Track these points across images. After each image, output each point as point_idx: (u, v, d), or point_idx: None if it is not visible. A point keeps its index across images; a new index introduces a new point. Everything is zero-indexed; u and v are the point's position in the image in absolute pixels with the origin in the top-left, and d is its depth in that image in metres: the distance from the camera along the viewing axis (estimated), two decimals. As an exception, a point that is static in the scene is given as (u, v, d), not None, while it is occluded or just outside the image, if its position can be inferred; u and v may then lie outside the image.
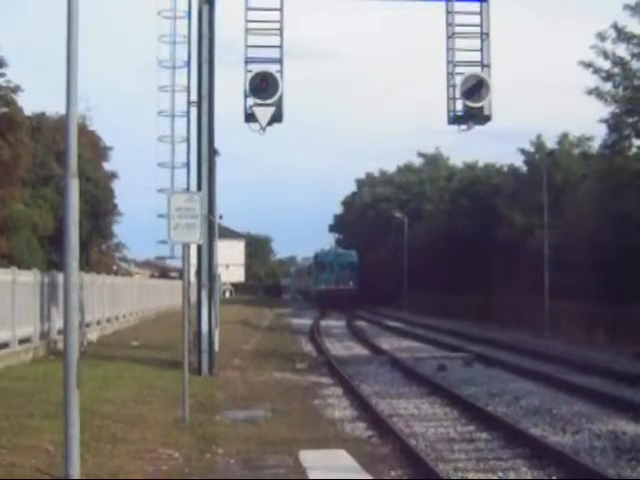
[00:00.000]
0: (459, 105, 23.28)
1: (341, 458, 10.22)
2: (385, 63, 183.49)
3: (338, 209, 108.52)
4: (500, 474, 11.61)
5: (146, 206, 31.36)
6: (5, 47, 46.04)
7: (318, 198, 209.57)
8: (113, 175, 57.08)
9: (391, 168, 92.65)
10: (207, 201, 22.28)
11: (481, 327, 44.21)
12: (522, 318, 44.32)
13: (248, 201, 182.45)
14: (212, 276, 22.36)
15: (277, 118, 22.65)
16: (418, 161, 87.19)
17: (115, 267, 67.44)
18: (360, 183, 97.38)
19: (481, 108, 22.92)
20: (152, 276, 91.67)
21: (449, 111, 23.46)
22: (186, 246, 13.80)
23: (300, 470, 9.70)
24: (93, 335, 31.29)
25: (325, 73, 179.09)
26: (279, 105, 22.41)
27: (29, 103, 50.94)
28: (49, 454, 10.58)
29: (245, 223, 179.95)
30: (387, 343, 35.03)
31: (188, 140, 22.72)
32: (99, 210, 54.78)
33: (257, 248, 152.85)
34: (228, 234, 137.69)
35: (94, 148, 57.06)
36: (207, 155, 22.31)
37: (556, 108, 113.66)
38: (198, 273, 22.22)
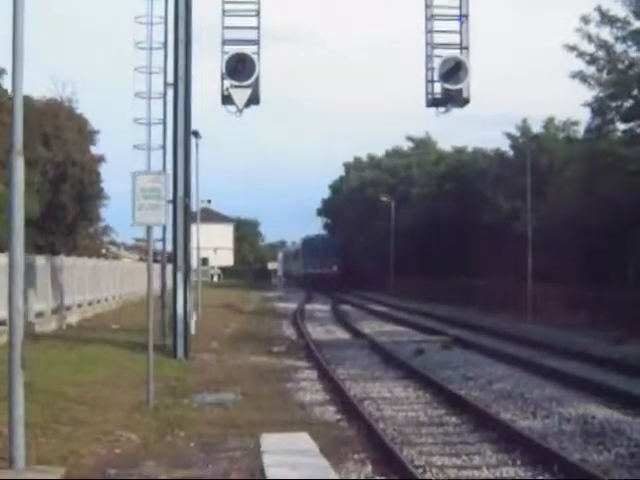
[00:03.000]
0: (438, 88, 23.15)
1: (302, 442, 10.05)
2: (370, 46, 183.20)
3: (327, 194, 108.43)
4: (464, 458, 11.53)
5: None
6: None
7: (308, 182, 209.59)
8: (100, 159, 56.78)
9: (380, 152, 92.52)
10: (183, 183, 22.18)
11: (464, 311, 44.17)
12: (506, 302, 44.26)
13: (237, 185, 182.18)
14: (187, 259, 22.18)
15: (254, 100, 22.52)
16: (407, 145, 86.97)
17: (104, 251, 67.30)
18: (348, 167, 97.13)
19: (460, 90, 22.81)
20: (141, 260, 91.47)
21: (427, 94, 23.33)
22: (150, 227, 13.64)
23: (256, 453, 9.59)
24: (73, 318, 31.12)
25: (311, 57, 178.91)
26: (256, 87, 22.27)
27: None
28: (2, 436, 10.44)
29: (234, 207, 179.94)
30: (369, 327, 34.95)
31: (165, 122, 22.57)
32: (85, 194, 54.59)
33: (246, 232, 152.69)
34: (217, 218, 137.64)
35: (81, 132, 56.80)
36: (183, 137, 22.10)
37: (544, 92, 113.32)
38: (173, 256, 22.06)
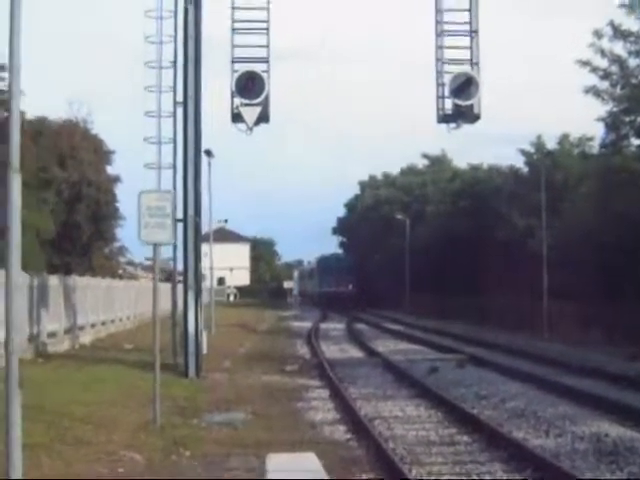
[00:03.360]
0: (449, 104, 23.04)
1: (308, 461, 9.90)
2: (382, 63, 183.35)
3: (342, 212, 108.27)
4: (474, 477, 11.34)
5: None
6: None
7: (324, 201, 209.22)
8: (116, 179, 56.85)
9: (395, 170, 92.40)
10: (193, 202, 22.12)
11: (480, 329, 43.89)
12: (521, 319, 43.95)
13: (254, 205, 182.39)
14: (198, 278, 22.09)
15: (264, 118, 22.46)
16: (422, 163, 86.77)
17: (121, 271, 67.38)
18: (363, 185, 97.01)
19: (470, 106, 22.68)
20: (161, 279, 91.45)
21: (438, 110, 23.20)
22: (157, 246, 13.55)
23: (261, 472, 9.44)
24: (86, 338, 31.12)
25: (323, 74, 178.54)
26: (266, 105, 22.21)
27: (31, 107, 50.82)
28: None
29: (251, 227, 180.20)
30: (383, 346, 34.71)
31: (174, 141, 22.50)
32: (100, 214, 54.70)
33: (262, 252, 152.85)
34: (233, 238, 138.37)
35: (97, 152, 56.99)
36: (193, 156, 22.07)
37: (559, 108, 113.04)
38: (184, 275, 21.97)
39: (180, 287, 23.36)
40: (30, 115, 47.83)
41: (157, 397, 14.05)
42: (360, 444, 13.46)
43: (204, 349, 23.13)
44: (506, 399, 18.35)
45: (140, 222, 13.11)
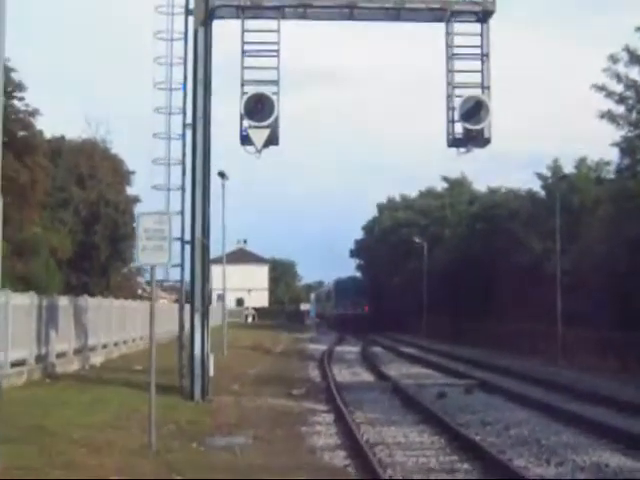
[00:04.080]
0: (459, 127, 22.91)
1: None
2: (398, 86, 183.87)
3: (360, 234, 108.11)
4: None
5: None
6: (25, 71, 46.34)
7: (344, 223, 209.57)
8: (135, 199, 56.95)
9: (414, 193, 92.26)
10: (201, 224, 22.08)
11: (494, 354, 43.54)
12: (536, 345, 43.61)
13: (275, 226, 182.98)
14: (205, 300, 22.01)
15: (273, 140, 22.39)
16: (442, 185, 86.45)
17: (140, 291, 67.43)
18: (381, 208, 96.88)
19: (481, 130, 22.54)
20: (177, 301, 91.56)
21: (448, 134, 23.07)
22: (154, 267, 13.50)
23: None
24: (97, 359, 31.08)
25: (341, 97, 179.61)
26: (275, 127, 22.15)
27: (49, 127, 51.16)
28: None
29: (271, 248, 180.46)
30: (395, 370, 34.55)
31: (183, 163, 22.44)
32: (118, 234, 54.82)
33: (282, 273, 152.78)
34: (252, 259, 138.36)
35: (117, 172, 57.22)
36: (201, 178, 22.05)
37: (576, 131, 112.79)
38: (191, 297, 21.91)
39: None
40: (48, 134, 48.18)
41: (152, 420, 13.93)
42: (357, 470, 13.33)
43: (211, 371, 23.01)
44: (511, 426, 18.17)
45: (138, 244, 13.09)
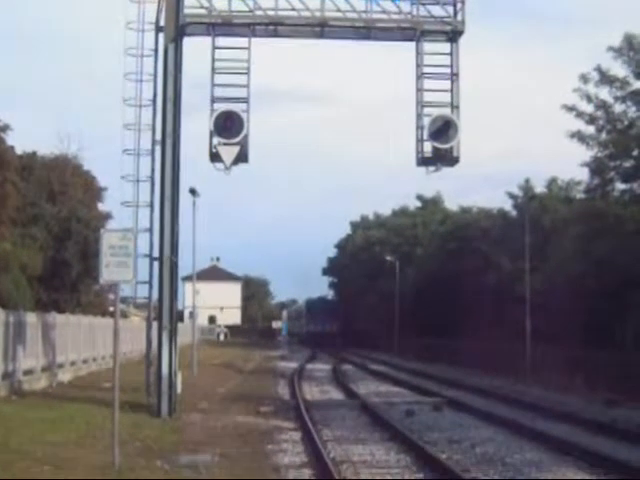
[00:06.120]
0: (428, 147, 23.01)
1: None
2: (370, 104, 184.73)
3: (333, 252, 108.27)
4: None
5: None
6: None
7: (317, 241, 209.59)
8: (107, 216, 56.60)
9: (387, 211, 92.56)
10: (170, 242, 22.03)
11: (464, 372, 43.64)
12: (506, 363, 43.71)
13: (248, 244, 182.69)
14: (173, 317, 21.95)
15: (242, 158, 22.43)
16: (416, 204, 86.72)
17: (111, 308, 66.91)
18: (354, 226, 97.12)
19: (450, 149, 22.67)
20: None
21: (418, 152, 23.17)
22: (117, 284, 13.46)
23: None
24: (66, 376, 30.87)
25: (318, 116, 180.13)
26: (244, 144, 22.20)
27: (21, 143, 51.02)
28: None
29: (244, 266, 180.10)
30: (365, 387, 34.56)
31: (152, 179, 22.45)
32: (89, 251, 54.41)
33: (254, 291, 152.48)
34: (225, 276, 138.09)
35: (88, 188, 56.90)
36: (170, 194, 22.01)
37: (546, 151, 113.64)
38: (158, 314, 21.85)
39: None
40: (20, 150, 47.97)
41: (116, 438, 13.85)
42: (321, 489, 13.31)
43: (179, 389, 22.94)
44: (477, 444, 18.20)
45: (101, 261, 13.05)
